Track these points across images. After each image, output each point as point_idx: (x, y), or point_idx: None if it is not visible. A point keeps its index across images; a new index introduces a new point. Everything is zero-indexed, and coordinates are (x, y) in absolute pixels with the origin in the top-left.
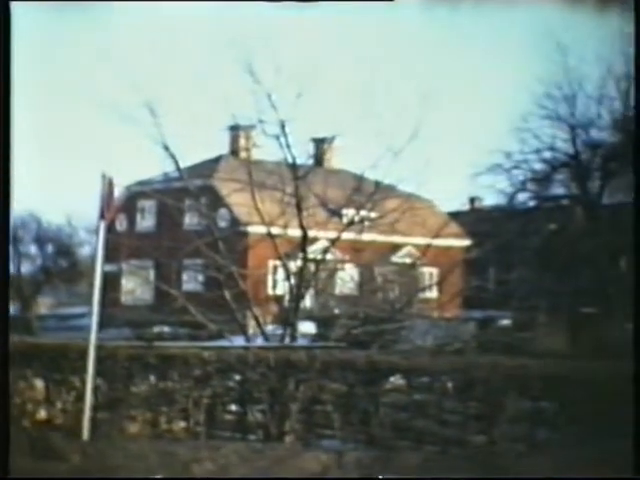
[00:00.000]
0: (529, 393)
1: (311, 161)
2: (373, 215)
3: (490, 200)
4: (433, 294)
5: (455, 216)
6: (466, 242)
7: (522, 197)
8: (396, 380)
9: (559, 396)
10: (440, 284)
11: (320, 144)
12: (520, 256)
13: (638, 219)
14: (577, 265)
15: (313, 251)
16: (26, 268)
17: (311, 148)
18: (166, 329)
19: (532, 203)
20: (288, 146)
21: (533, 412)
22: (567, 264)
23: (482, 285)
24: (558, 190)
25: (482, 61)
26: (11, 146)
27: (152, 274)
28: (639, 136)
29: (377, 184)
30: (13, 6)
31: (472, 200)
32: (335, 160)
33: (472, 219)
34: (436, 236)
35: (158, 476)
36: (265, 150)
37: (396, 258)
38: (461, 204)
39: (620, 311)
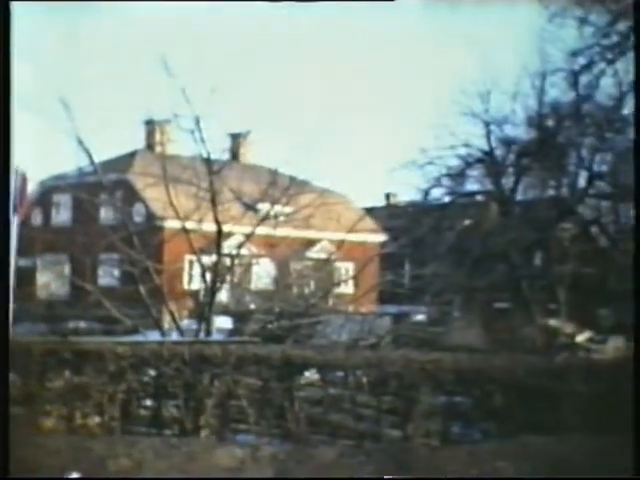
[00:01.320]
0: (443, 387)
1: (227, 156)
2: (288, 210)
3: (405, 196)
4: (348, 289)
5: (370, 211)
6: (381, 237)
7: (437, 193)
8: (311, 375)
9: (473, 390)
10: (355, 279)
11: (235, 139)
12: (435, 251)
13: (638, 220)
14: (491, 260)
15: (228, 246)
16: None
17: (227, 143)
18: (82, 324)
19: (447, 199)
20: (203, 141)
21: (447, 406)
22: (481, 259)
23: (397, 280)
24: (472, 186)
25: (400, 58)
26: (11, 145)
27: (67, 269)
28: (639, 136)
29: (291, 179)
30: (13, 6)
31: (387, 196)
32: (250, 155)
33: (387, 214)
34: (351, 231)
35: (158, 476)
36: (181, 145)
37: (311, 253)
38: (376, 199)
39: (533, 306)
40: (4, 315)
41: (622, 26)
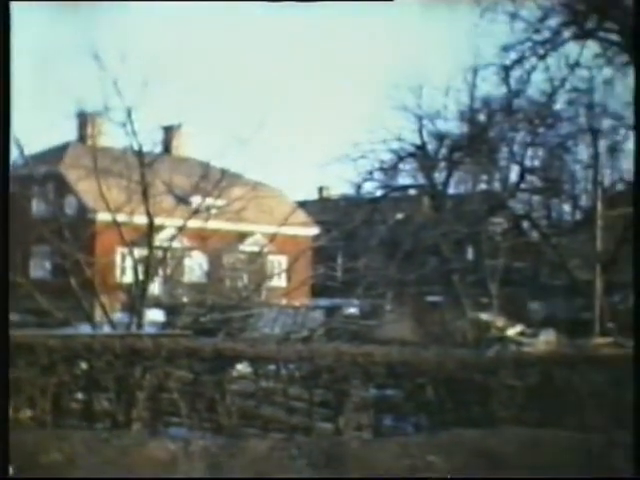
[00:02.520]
0: (374, 380)
1: (159, 148)
2: (220, 203)
3: (338, 189)
4: (281, 282)
5: (303, 205)
6: (314, 231)
7: (369, 186)
8: (243, 368)
9: (404, 383)
10: (288, 272)
11: (168, 132)
12: (367, 245)
13: (638, 218)
14: (423, 254)
15: (160, 239)
16: None
17: (159, 135)
18: (13, 317)
19: (379, 192)
20: (134, 133)
21: (379, 399)
22: (413, 253)
23: (329, 273)
24: (405, 180)
25: (334, 53)
26: (10, 145)
27: None
28: (639, 136)
29: (223, 172)
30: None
31: (320, 189)
32: (183, 148)
33: (320, 208)
34: (283, 224)
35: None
36: (113, 137)
37: (244, 246)
38: (309, 193)
39: (465, 300)
40: (4, 315)
41: (553, 22)
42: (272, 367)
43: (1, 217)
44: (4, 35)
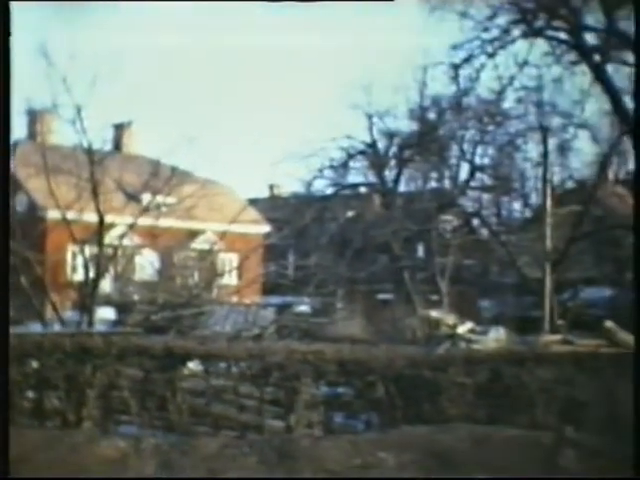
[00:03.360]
0: (325, 378)
1: (109, 146)
2: (170, 200)
3: (289, 187)
4: (232, 280)
5: (254, 202)
6: (265, 228)
7: (320, 184)
8: (194, 366)
9: (355, 381)
10: (239, 270)
11: (118, 129)
12: (318, 242)
13: (638, 216)
14: (374, 252)
15: (111, 236)
16: None
17: (109, 133)
18: None
19: (329, 190)
20: (84, 131)
21: (329, 397)
22: (364, 251)
23: (280, 271)
24: (355, 178)
25: (285, 51)
26: (10, 146)
27: None
28: (639, 135)
29: (173, 169)
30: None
31: (271, 187)
32: (134, 146)
33: (271, 206)
34: (234, 222)
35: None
36: (62, 134)
37: (195, 244)
38: (260, 191)
39: (415, 297)
40: (4, 315)
41: (502, 20)
42: (223, 365)
43: (1, 217)
44: (4, 35)
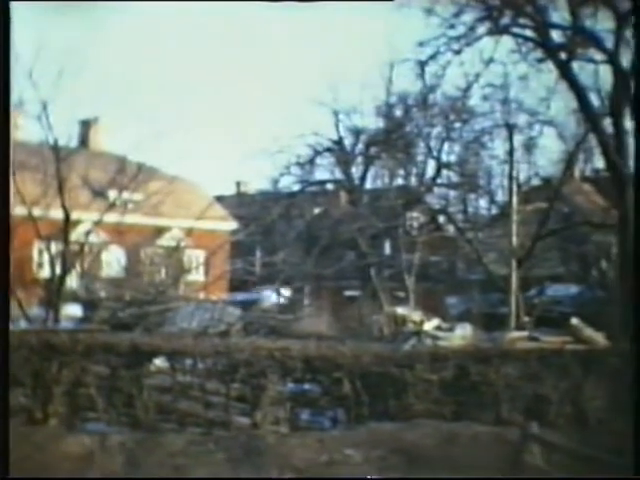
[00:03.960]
0: (291, 375)
1: (75, 142)
2: (136, 197)
3: (256, 184)
4: (199, 277)
5: (220, 199)
6: (232, 225)
7: (287, 181)
8: (160, 363)
9: (321, 378)
10: (206, 266)
11: (85, 126)
12: (285, 239)
13: (638, 218)
14: (340, 248)
15: (77, 233)
16: None
17: (75, 129)
18: None
19: (296, 187)
20: (50, 127)
21: (296, 394)
22: (331, 247)
23: (247, 268)
24: (322, 175)
25: (252, 49)
26: (10, 146)
27: None
28: (639, 134)
29: (140, 166)
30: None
31: (238, 184)
32: (100, 142)
33: (237, 202)
34: (200, 218)
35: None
36: (29, 131)
37: (162, 241)
38: (227, 187)
39: (382, 294)
40: (4, 314)
41: (468, 17)
42: (189, 361)
43: (1, 217)
44: (4, 35)
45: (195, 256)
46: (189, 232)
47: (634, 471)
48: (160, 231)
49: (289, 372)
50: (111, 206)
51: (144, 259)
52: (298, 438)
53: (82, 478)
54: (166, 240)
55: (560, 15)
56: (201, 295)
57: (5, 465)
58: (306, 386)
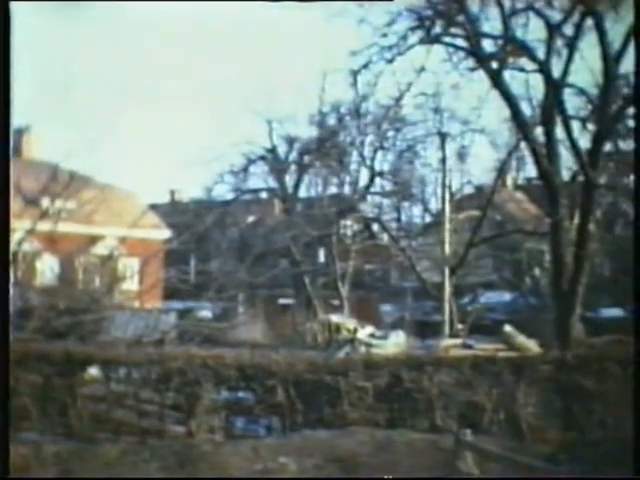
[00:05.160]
0: (226, 383)
1: None
2: (70, 205)
3: (190, 192)
4: (133, 285)
5: (154, 207)
6: (166, 233)
7: (220, 189)
8: (94, 372)
9: (255, 386)
10: (140, 275)
11: (17, 134)
12: (219, 247)
13: (638, 219)
14: (274, 257)
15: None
16: None
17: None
18: None
19: (230, 195)
20: None
21: (230, 402)
22: (265, 256)
23: (181, 276)
24: (256, 183)
25: (186, 56)
26: (10, 145)
27: None
28: (639, 135)
29: (72, 174)
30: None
31: (172, 192)
32: (33, 150)
33: (171, 211)
34: (134, 227)
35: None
36: None
37: (96, 249)
38: (160, 196)
39: (316, 302)
40: (4, 315)
41: (400, 26)
42: (123, 370)
43: (1, 217)
44: (4, 35)
45: (129, 264)
46: (123, 240)
47: (634, 471)
48: (94, 239)
49: (223, 380)
50: (44, 214)
51: (78, 267)
52: (233, 446)
53: (82, 478)
54: (100, 248)
55: (492, 25)
56: (135, 304)
57: (5, 465)
58: (240, 394)
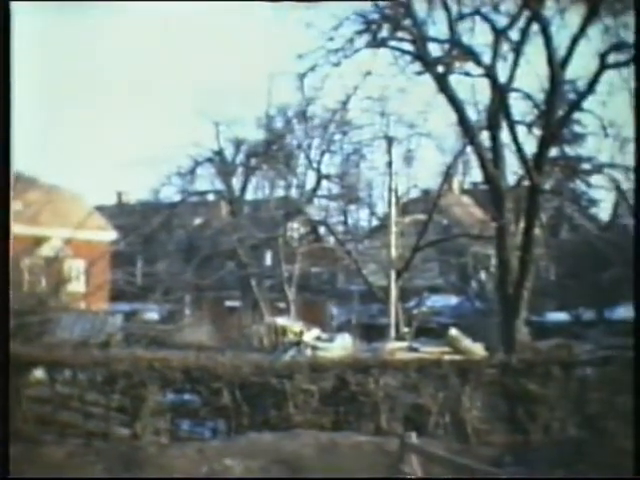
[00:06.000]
0: (171, 385)
1: None
2: (15, 207)
3: (137, 194)
4: (80, 287)
5: (101, 209)
6: (112, 235)
7: (167, 191)
8: (40, 373)
9: (201, 388)
10: (86, 277)
11: None
12: (165, 249)
13: (638, 219)
14: (221, 259)
15: None
16: None
17: None
18: None
19: (177, 197)
20: None
21: (176, 404)
22: (211, 258)
23: (128, 278)
24: (203, 185)
25: (133, 58)
26: (11, 145)
27: None
28: (639, 136)
29: (17, 175)
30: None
31: (119, 194)
32: None
33: (118, 212)
34: (80, 228)
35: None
36: None
37: (42, 250)
38: (107, 197)
39: (262, 304)
40: (4, 316)
41: (346, 30)
42: (68, 372)
43: (2, 217)
44: (4, 35)
45: (75, 266)
46: (69, 242)
47: (634, 471)
48: (39, 241)
49: (169, 383)
50: None
51: (23, 269)
52: (178, 449)
53: (82, 478)
54: (46, 250)
55: (438, 29)
56: (82, 305)
57: (5, 465)
58: (186, 397)
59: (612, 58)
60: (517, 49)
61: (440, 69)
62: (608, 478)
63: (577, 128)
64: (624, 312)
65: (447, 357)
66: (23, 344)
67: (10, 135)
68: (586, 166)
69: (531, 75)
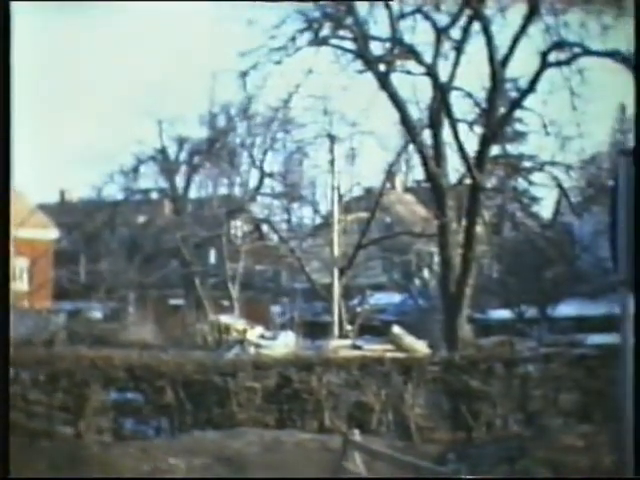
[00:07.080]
0: (114, 384)
1: None
2: None
3: (80, 192)
4: (23, 285)
5: (43, 207)
6: (54, 233)
7: (110, 189)
8: None
9: (144, 386)
10: (29, 275)
11: None
12: (109, 248)
13: (638, 218)
14: (165, 257)
15: None
16: None
17: None
18: None
19: (120, 196)
20: None
21: (119, 403)
22: (155, 256)
23: (71, 276)
24: (146, 183)
25: (79, 56)
26: (11, 145)
27: None
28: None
29: None
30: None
31: (62, 192)
32: None
33: (60, 210)
34: (22, 226)
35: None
36: None
37: None
38: (50, 195)
39: (206, 302)
40: (4, 316)
41: (288, 28)
42: (11, 371)
43: (1, 217)
44: (4, 35)
45: (18, 264)
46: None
47: (634, 471)
48: None
49: (112, 381)
50: None
51: None
52: (122, 447)
53: (82, 478)
54: None
55: (380, 27)
56: (25, 304)
57: (5, 465)
58: (129, 395)
59: (553, 57)
60: (458, 48)
61: (382, 67)
62: (608, 478)
63: (518, 126)
64: (566, 309)
65: (390, 354)
66: None
67: (10, 135)
68: (527, 164)
69: (472, 74)
